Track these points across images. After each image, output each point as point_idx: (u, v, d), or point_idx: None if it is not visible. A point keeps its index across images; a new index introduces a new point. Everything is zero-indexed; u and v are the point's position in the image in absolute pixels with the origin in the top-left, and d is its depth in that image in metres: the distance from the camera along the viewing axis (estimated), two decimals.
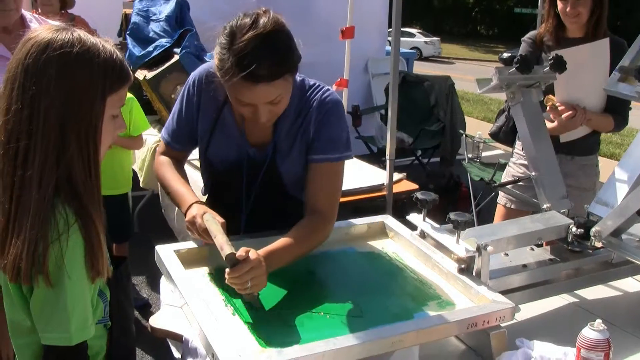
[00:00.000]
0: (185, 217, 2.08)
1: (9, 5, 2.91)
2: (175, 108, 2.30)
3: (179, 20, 5.18)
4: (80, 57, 1.49)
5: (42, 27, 1.55)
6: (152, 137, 4.69)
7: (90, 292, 1.59)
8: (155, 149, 4.48)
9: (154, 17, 5.16)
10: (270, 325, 1.75)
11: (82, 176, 1.53)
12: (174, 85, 4.68)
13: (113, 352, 1.76)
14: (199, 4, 6.22)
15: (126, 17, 5.45)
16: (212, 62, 2.15)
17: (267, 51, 1.87)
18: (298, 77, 2.17)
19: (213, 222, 1.97)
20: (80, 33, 1.54)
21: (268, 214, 2.22)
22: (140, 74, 4.82)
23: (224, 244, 1.82)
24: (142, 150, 4.70)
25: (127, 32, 5.13)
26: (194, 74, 2.24)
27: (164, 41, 4.92)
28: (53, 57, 1.48)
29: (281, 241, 1.98)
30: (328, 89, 2.22)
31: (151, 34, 5.04)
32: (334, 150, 2.15)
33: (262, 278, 1.79)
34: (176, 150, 2.34)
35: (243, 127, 2.20)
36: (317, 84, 2.22)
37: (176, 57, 4.71)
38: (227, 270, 1.75)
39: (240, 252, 1.76)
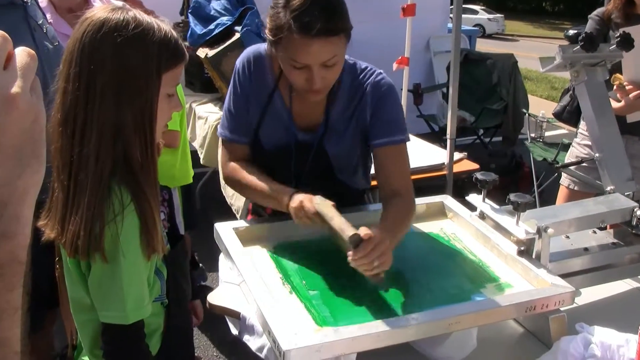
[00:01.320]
0: (287, 208, 2.01)
1: None
2: (228, 102, 2.26)
3: None
4: (135, 36, 1.52)
5: (98, 7, 1.58)
6: (214, 114, 4.73)
7: (146, 271, 1.63)
8: (216, 126, 4.52)
9: None
10: (327, 304, 1.76)
11: (138, 154, 1.56)
12: (234, 63, 4.70)
13: (170, 330, 1.79)
14: None
15: None
16: (254, 47, 2.20)
17: (324, 8, 1.89)
18: (350, 60, 2.17)
19: (325, 204, 1.93)
20: (135, 12, 1.57)
21: (317, 191, 2.21)
22: (202, 52, 4.85)
23: (344, 226, 1.78)
24: (202, 127, 4.75)
25: (189, 11, 5.16)
26: (241, 60, 2.24)
27: (225, 19, 4.93)
28: (108, 36, 1.51)
29: (390, 216, 1.98)
30: (380, 72, 2.20)
31: (212, 12, 5.05)
32: (395, 132, 2.15)
33: (388, 255, 1.75)
34: (241, 144, 2.26)
35: (291, 110, 2.20)
36: (369, 67, 2.20)
37: (237, 35, 4.71)
38: (350, 252, 1.71)
39: (364, 231, 1.72)
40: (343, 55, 2.02)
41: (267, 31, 1.99)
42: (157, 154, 1.62)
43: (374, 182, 2.35)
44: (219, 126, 2.34)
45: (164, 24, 1.60)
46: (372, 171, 2.30)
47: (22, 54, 0.64)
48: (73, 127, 1.52)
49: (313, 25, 1.86)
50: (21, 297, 0.62)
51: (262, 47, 2.21)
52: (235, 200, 3.94)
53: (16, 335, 0.61)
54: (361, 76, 2.18)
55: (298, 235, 2.12)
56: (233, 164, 2.24)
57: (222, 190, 4.22)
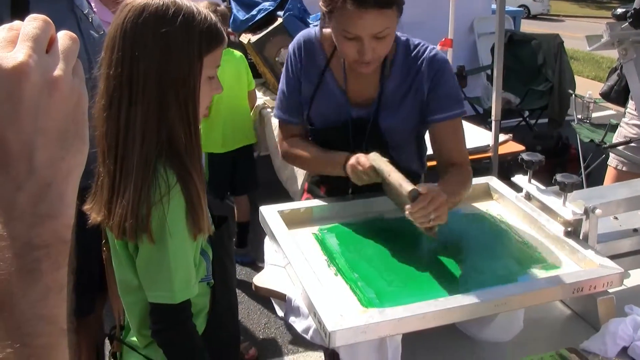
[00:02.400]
0: (343, 168, 2.08)
1: None
2: (282, 84, 2.32)
3: None
4: (175, 20, 1.54)
5: None
6: (259, 99, 4.75)
7: (193, 251, 1.65)
8: (260, 111, 4.55)
9: None
10: (373, 286, 1.76)
11: (182, 136, 1.58)
12: (277, 48, 4.71)
13: (216, 310, 1.81)
14: None
15: None
16: (305, 31, 2.25)
17: None
18: (402, 37, 2.19)
19: (381, 160, 1.96)
20: None
21: None
22: (245, 38, 4.87)
23: (402, 181, 1.81)
24: None
25: None
26: (293, 44, 2.28)
27: (267, 4, 4.95)
28: (149, 21, 1.53)
29: (447, 179, 2.02)
30: (434, 47, 2.21)
31: None
32: (453, 106, 2.17)
33: (445, 209, 1.76)
34: (297, 125, 2.33)
35: (345, 88, 2.21)
36: (422, 43, 2.21)
37: (279, 20, 4.73)
38: (407, 205, 1.74)
39: (422, 186, 1.76)
40: (394, 29, 2.03)
41: (321, 2, 2.02)
42: (199, 136, 1.64)
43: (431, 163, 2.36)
44: (274, 107, 2.39)
45: (203, 7, 1.62)
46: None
47: (64, 37, 0.65)
48: (118, 112, 1.55)
49: None
50: (66, 275, 0.63)
51: (313, 31, 2.26)
52: (290, 184, 3.96)
53: (62, 313, 0.62)
54: (415, 51, 2.19)
55: (343, 218, 2.13)
56: (289, 140, 2.32)
57: (277, 173, 4.25)
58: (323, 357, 3.70)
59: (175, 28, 1.54)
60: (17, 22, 0.63)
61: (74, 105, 0.64)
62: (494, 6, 7.76)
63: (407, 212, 1.74)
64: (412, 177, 2.29)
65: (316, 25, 2.27)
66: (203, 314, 1.79)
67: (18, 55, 0.60)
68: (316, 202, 2.24)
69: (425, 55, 2.17)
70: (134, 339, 1.82)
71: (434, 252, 1.98)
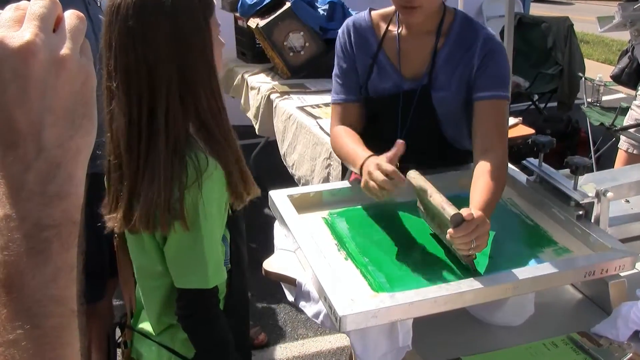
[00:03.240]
0: (361, 172, 2.01)
1: None
2: (336, 68, 2.36)
3: None
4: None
5: None
6: (266, 84, 4.73)
7: (222, 234, 1.65)
8: (268, 96, 4.54)
9: None
10: (383, 270, 1.76)
11: (208, 103, 1.59)
12: (285, 32, 4.69)
13: (232, 293, 1.81)
14: None
15: None
16: (355, 16, 2.33)
17: None
18: (461, 13, 2.27)
19: (421, 178, 1.89)
20: None
21: (422, 146, 2.20)
22: (253, 22, 4.85)
23: (444, 204, 1.74)
24: (255, 98, 4.76)
25: None
26: (342, 28, 2.34)
27: None
28: (147, 11, 1.53)
29: (485, 190, 1.91)
30: (493, 32, 2.24)
31: None
32: (499, 88, 2.15)
33: (486, 237, 1.71)
34: (351, 103, 2.33)
35: (399, 64, 2.25)
36: (481, 24, 2.27)
37: (288, 5, 4.70)
38: (450, 230, 1.67)
39: (465, 211, 1.67)
40: None
41: None
42: (222, 100, 1.65)
43: None
44: (331, 94, 2.40)
45: None
46: None
47: (71, 16, 0.66)
48: (139, 104, 1.54)
49: None
50: (76, 256, 0.63)
51: (363, 14, 2.33)
52: (296, 169, 3.96)
53: (72, 294, 0.62)
54: (473, 27, 2.23)
55: (353, 202, 2.12)
56: (337, 129, 2.32)
57: (283, 159, 4.25)
58: (332, 342, 3.71)
59: (175, 6, 1.54)
60: (23, 2, 0.63)
61: (82, 84, 0.64)
62: None
63: (447, 236, 1.70)
64: (462, 156, 2.29)
65: (353, 12, 2.32)
66: (221, 298, 1.79)
67: (25, 34, 0.60)
68: (326, 186, 2.23)
69: (482, 32, 2.20)
70: (145, 325, 1.82)
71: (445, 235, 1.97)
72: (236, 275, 1.82)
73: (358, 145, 2.15)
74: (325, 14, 4.87)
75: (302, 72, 4.76)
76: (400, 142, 1.91)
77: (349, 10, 5.01)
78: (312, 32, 4.72)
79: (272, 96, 4.51)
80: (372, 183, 1.87)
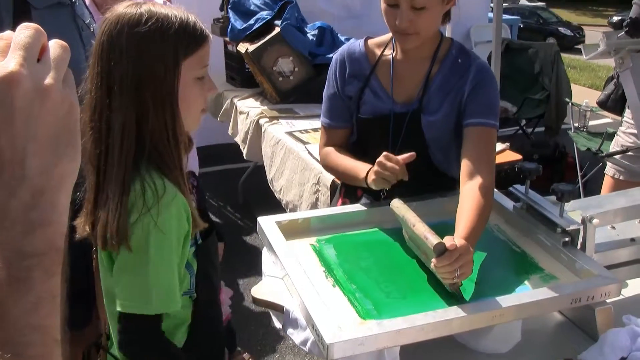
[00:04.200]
0: (366, 180, 2.11)
1: None
2: (325, 92, 2.41)
3: None
4: (149, 26, 1.55)
5: (117, 5, 1.62)
6: (255, 109, 4.75)
7: (179, 263, 1.65)
8: (257, 121, 4.55)
9: None
10: (370, 297, 1.76)
11: (163, 142, 1.59)
12: (275, 57, 4.72)
13: (198, 323, 1.80)
14: None
15: None
16: (349, 44, 2.38)
17: None
18: (458, 43, 2.32)
19: (405, 208, 1.93)
20: (149, 5, 1.60)
21: (411, 171, 2.21)
22: (242, 47, 4.87)
23: (427, 233, 1.75)
24: (244, 122, 4.77)
25: (229, 6, 5.18)
26: (337, 55, 2.39)
27: (264, 14, 4.95)
28: (122, 31, 1.55)
29: (470, 218, 1.92)
30: (486, 62, 2.28)
31: (252, 7, 5.07)
32: (490, 115, 2.17)
33: (471, 265, 1.73)
34: (339, 129, 2.40)
35: (391, 89, 2.27)
36: (476, 54, 2.30)
37: (277, 30, 4.73)
38: (433, 259, 1.69)
39: (448, 240, 1.69)
40: (435, 5, 2.10)
41: None
42: (182, 142, 1.65)
43: None
44: (321, 114, 2.46)
45: (180, 11, 1.62)
46: None
47: (54, 46, 0.67)
48: (99, 122, 1.57)
49: None
50: (59, 284, 0.64)
51: (357, 43, 2.37)
52: (284, 195, 3.96)
53: (55, 323, 0.63)
54: (467, 56, 2.27)
55: (341, 228, 2.13)
56: (327, 149, 2.40)
57: (270, 185, 4.25)
58: None
59: (148, 33, 1.55)
60: (8, 32, 0.65)
61: (66, 113, 0.65)
62: (490, 14, 7.78)
63: (431, 266, 1.71)
64: (450, 184, 2.31)
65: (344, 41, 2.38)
66: (184, 327, 1.77)
67: (9, 64, 0.61)
68: (314, 213, 2.24)
69: (477, 61, 2.24)
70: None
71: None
72: (203, 304, 1.81)
73: (356, 160, 2.25)
74: (314, 39, 4.90)
75: (291, 97, 4.78)
76: (412, 154, 2.02)
77: (338, 35, 5.05)
78: (301, 57, 4.74)
79: (261, 121, 4.52)
80: (388, 164, 2.01)
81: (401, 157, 2.03)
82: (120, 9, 1.59)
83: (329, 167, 2.42)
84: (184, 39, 1.60)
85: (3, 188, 0.60)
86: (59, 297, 0.63)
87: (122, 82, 1.55)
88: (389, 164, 2.01)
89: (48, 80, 0.63)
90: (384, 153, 2.04)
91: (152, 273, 1.58)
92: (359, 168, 2.19)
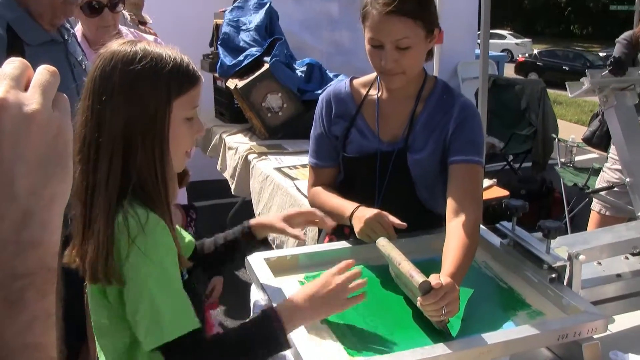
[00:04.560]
0: (351, 220, 2.15)
1: (108, 21, 3.06)
2: (313, 132, 2.44)
3: (269, 30, 5.25)
4: (142, 64, 1.55)
5: (111, 42, 1.62)
6: (244, 145, 4.77)
7: (178, 280, 1.61)
8: (246, 157, 4.57)
9: (244, 27, 5.25)
10: (359, 334, 1.76)
11: (150, 179, 1.58)
12: (264, 93, 4.75)
13: None
14: (288, 13, 6.31)
15: (217, 28, 5.56)
16: (335, 84, 2.40)
17: None
18: (442, 82, 2.34)
19: (390, 247, 1.94)
20: (144, 43, 1.61)
21: (398, 208, 2.22)
22: (232, 83, 4.91)
23: (412, 272, 1.76)
24: (233, 158, 4.79)
25: (219, 42, 5.22)
26: (323, 96, 2.42)
27: (254, 50, 4.99)
28: (115, 67, 1.55)
29: (456, 255, 1.93)
30: (471, 101, 2.31)
31: (241, 44, 5.12)
32: (474, 152, 2.19)
33: (457, 303, 1.74)
34: (326, 168, 2.43)
35: (377, 128, 2.30)
36: (460, 93, 2.35)
37: (266, 66, 4.77)
38: (419, 297, 1.70)
39: (434, 279, 1.70)
40: (419, 44, 2.12)
41: (360, 18, 2.17)
42: (169, 181, 1.63)
43: None
44: (309, 154, 2.49)
45: (174, 51, 1.63)
46: None
47: (43, 72, 0.69)
48: (87, 156, 1.56)
49: (389, 2, 2.04)
50: (54, 303, 0.65)
51: (343, 83, 2.40)
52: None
53: (51, 341, 0.64)
54: (451, 94, 2.30)
55: (328, 265, 2.12)
56: (315, 188, 2.44)
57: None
58: None
59: (141, 72, 1.55)
60: None
61: (54, 136, 0.67)
62: (477, 51, 7.88)
63: (418, 304, 1.73)
64: (437, 221, 2.32)
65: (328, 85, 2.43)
66: None
67: None
68: (303, 250, 2.25)
69: (461, 99, 2.28)
70: None
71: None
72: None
73: (342, 199, 2.27)
74: (303, 75, 4.94)
75: (279, 133, 4.80)
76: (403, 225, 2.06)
77: (327, 72, 5.09)
78: (290, 93, 4.78)
79: (250, 156, 4.54)
80: (378, 229, 2.05)
81: (394, 222, 2.07)
82: (115, 46, 1.59)
83: (316, 206, 2.39)
84: (176, 78, 1.60)
85: None
86: (54, 315, 0.64)
87: (113, 118, 1.54)
88: (379, 228, 2.06)
89: (34, 105, 0.65)
90: (377, 211, 2.08)
91: (157, 302, 1.53)
92: (345, 207, 2.21)
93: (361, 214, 2.11)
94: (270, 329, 1.61)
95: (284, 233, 2.04)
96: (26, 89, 0.67)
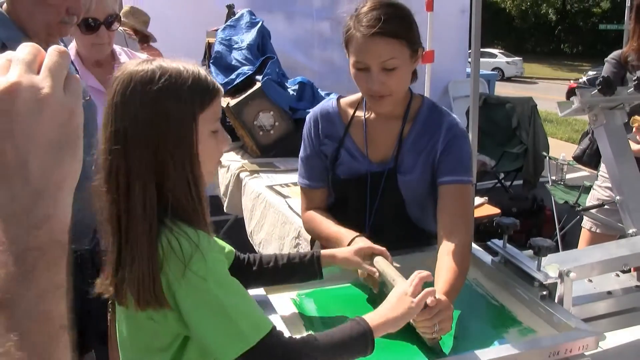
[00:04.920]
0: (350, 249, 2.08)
1: (103, 39, 3.07)
2: (302, 154, 2.42)
3: (261, 48, 5.27)
4: (162, 83, 1.51)
5: (126, 63, 1.58)
6: (236, 163, 4.78)
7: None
8: (238, 174, 4.57)
9: (236, 46, 5.27)
10: None
11: (186, 198, 1.55)
12: (256, 111, 4.76)
13: None
14: (280, 32, 6.33)
15: (209, 46, 5.58)
16: (323, 103, 2.38)
17: (387, 12, 2.06)
18: (429, 101, 2.33)
19: (386, 263, 1.97)
20: (160, 61, 1.56)
21: (389, 227, 2.23)
22: (224, 102, 4.91)
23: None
24: (225, 176, 4.79)
25: (211, 61, 5.24)
26: (310, 115, 2.41)
27: (246, 69, 5.01)
28: (136, 89, 1.50)
29: (449, 274, 1.93)
30: (457, 118, 2.32)
31: (234, 62, 5.13)
32: (463, 172, 2.20)
33: (450, 321, 1.76)
34: (318, 189, 2.41)
35: (365, 149, 2.30)
36: (447, 111, 2.34)
37: (258, 85, 4.78)
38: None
39: (430, 295, 1.72)
40: (405, 64, 2.11)
41: (342, 42, 2.17)
42: (202, 196, 1.61)
43: None
44: (298, 175, 2.47)
45: (191, 65, 1.59)
46: None
47: (52, 53, 0.73)
48: (117, 184, 1.51)
49: (373, 24, 2.03)
50: (64, 276, 0.69)
51: (330, 102, 2.39)
52: (263, 248, 3.96)
53: (60, 310, 0.67)
54: (439, 113, 2.30)
55: (321, 283, 2.13)
56: (309, 213, 2.41)
57: (249, 238, 4.25)
58: None
59: (163, 92, 1.51)
60: (9, 52, 0.72)
61: (66, 120, 0.71)
62: (468, 70, 7.92)
63: (411, 321, 1.74)
64: (428, 239, 2.32)
65: (328, 98, 2.44)
66: None
67: (10, 76, 0.69)
68: None
69: (449, 119, 2.28)
70: None
71: None
72: None
73: (339, 226, 2.25)
74: (295, 94, 4.95)
75: (271, 151, 4.81)
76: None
77: (318, 90, 5.11)
78: (282, 112, 4.79)
79: (242, 174, 4.55)
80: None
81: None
82: (131, 67, 1.55)
83: (312, 233, 2.42)
84: (198, 93, 1.56)
85: (8, 188, 0.66)
86: (63, 287, 0.69)
87: (140, 143, 1.50)
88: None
89: (46, 89, 0.69)
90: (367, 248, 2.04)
91: (230, 312, 1.50)
92: (343, 235, 2.19)
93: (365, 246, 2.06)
94: (360, 331, 1.63)
95: (358, 267, 2.02)
96: (38, 72, 0.71)
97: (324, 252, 2.04)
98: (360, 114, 2.33)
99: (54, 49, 0.73)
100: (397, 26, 2.06)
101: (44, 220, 0.67)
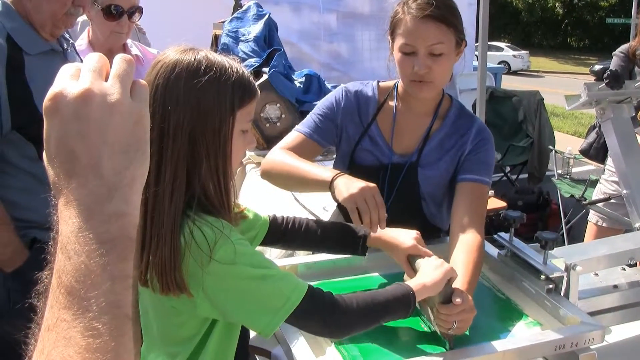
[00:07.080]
0: (334, 183, 1.99)
1: (124, 28, 3.14)
2: (318, 110, 2.37)
3: (268, 41, 5.26)
4: (207, 74, 1.52)
5: (169, 49, 1.58)
6: None
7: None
8: (244, 166, 4.57)
9: (243, 38, 5.26)
10: (357, 343, 1.77)
11: (214, 191, 1.57)
12: (262, 104, 4.75)
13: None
14: (287, 24, 6.33)
15: (216, 38, 5.57)
16: (364, 84, 2.37)
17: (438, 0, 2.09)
18: (457, 102, 2.38)
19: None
20: (206, 52, 1.58)
21: (402, 220, 2.23)
22: None
23: None
24: None
25: (218, 53, 5.24)
26: (344, 90, 2.37)
27: (252, 61, 5.00)
28: (181, 76, 1.51)
29: (465, 274, 1.91)
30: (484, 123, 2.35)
31: (240, 54, 5.11)
32: (485, 173, 2.22)
33: (469, 323, 1.75)
34: (316, 143, 2.34)
35: (391, 140, 2.31)
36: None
37: (265, 77, 4.77)
38: (437, 303, 1.71)
39: (458, 295, 1.71)
40: (450, 53, 2.16)
41: (387, 28, 2.20)
42: (230, 192, 1.62)
43: None
44: (299, 124, 2.41)
45: (235, 62, 1.60)
46: None
47: (120, 61, 0.78)
48: (149, 166, 1.52)
49: (425, 7, 2.07)
50: (132, 268, 0.73)
51: (370, 86, 2.39)
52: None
53: (127, 300, 0.71)
54: (469, 116, 2.34)
55: (327, 275, 2.14)
56: (284, 150, 2.30)
57: None
58: None
59: (207, 83, 1.51)
60: (78, 63, 0.78)
61: (134, 123, 0.76)
62: (475, 63, 7.90)
63: (432, 311, 1.74)
64: (437, 233, 2.35)
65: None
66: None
67: (83, 83, 0.73)
68: (301, 259, 2.25)
69: (478, 122, 2.32)
70: None
71: (415, 310, 1.99)
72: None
73: (319, 165, 2.18)
74: (301, 86, 4.95)
75: (277, 143, 4.80)
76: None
77: (325, 83, 5.11)
78: (289, 104, 4.79)
79: (248, 167, 4.55)
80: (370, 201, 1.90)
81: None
82: (175, 54, 1.55)
83: (277, 164, 2.26)
84: (240, 90, 1.57)
85: (84, 185, 0.71)
86: (131, 278, 0.73)
87: (177, 130, 1.51)
88: (372, 203, 1.90)
89: (115, 95, 0.74)
90: (374, 185, 1.94)
91: (266, 284, 1.53)
92: (323, 169, 2.11)
93: (350, 180, 1.97)
94: (404, 292, 1.66)
95: (403, 262, 1.96)
96: (106, 79, 0.76)
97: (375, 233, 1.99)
98: (391, 103, 2.34)
99: (120, 57, 0.78)
100: (446, 12, 2.10)
101: (117, 216, 0.72)
